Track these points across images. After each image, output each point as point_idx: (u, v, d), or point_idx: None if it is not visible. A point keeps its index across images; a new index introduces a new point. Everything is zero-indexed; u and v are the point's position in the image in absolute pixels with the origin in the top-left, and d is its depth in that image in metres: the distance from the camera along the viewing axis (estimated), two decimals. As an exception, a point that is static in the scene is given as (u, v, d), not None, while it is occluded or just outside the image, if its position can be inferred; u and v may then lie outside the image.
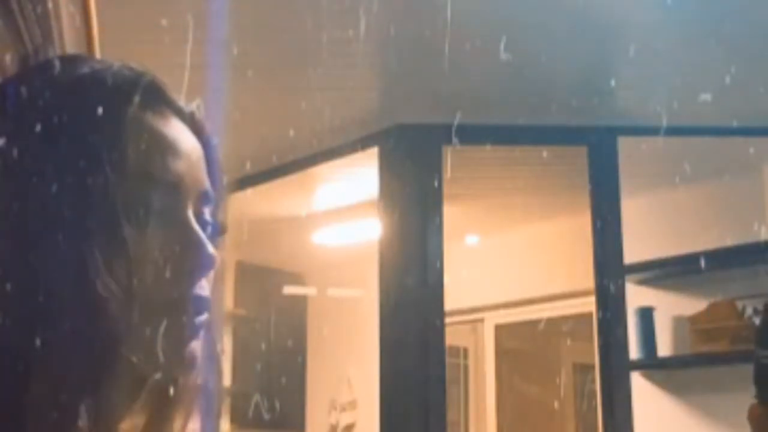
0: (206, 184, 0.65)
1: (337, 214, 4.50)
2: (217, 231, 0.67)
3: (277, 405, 5.28)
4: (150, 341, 0.58)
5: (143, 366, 0.59)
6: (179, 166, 0.63)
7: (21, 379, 0.55)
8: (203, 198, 0.65)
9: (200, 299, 0.62)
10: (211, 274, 0.64)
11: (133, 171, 0.59)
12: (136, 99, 0.61)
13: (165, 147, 0.62)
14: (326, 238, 4.86)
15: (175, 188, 0.62)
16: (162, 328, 0.59)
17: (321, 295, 5.64)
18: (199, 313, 0.62)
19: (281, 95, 3.15)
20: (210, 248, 0.63)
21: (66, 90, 0.61)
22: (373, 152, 3.45)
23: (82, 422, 0.55)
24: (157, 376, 0.61)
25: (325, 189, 4.24)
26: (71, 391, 0.55)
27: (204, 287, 0.63)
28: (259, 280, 5.50)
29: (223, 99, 2.93)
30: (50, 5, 1.64)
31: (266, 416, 5.27)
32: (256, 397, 5.32)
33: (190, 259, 0.61)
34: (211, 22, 2.46)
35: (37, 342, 0.55)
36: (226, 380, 4.83)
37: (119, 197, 0.58)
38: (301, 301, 5.72)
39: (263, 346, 5.20)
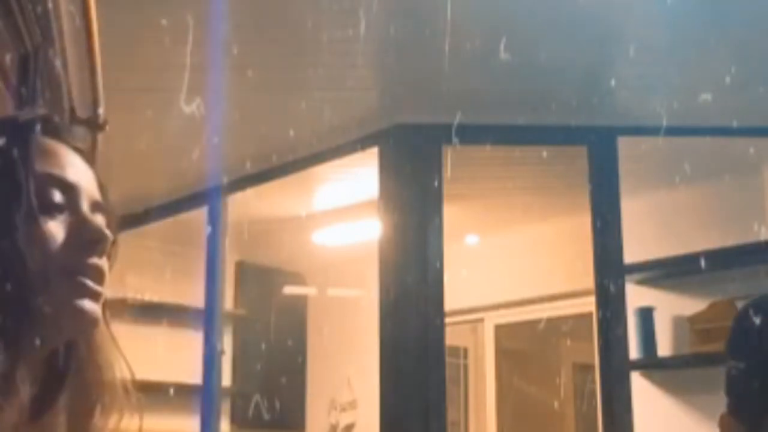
0: (99, 196, 0.83)
1: (337, 214, 4.50)
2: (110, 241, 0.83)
3: (277, 405, 5.28)
4: (55, 295, 0.75)
5: (49, 319, 0.74)
6: (75, 174, 0.81)
7: None
8: (97, 206, 0.82)
9: (96, 268, 0.78)
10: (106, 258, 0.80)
11: (40, 175, 0.78)
12: (38, 128, 0.81)
13: (63, 161, 0.82)
14: (326, 238, 4.86)
15: (72, 188, 0.80)
16: (65, 285, 0.76)
17: (321, 295, 5.64)
18: (96, 280, 0.78)
19: (281, 95, 3.14)
20: (96, 224, 0.79)
21: None
22: (373, 152, 3.45)
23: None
24: (60, 331, 0.77)
25: (325, 189, 4.24)
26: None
27: (104, 263, 0.79)
28: (259, 280, 5.50)
29: (223, 99, 2.93)
30: (50, 5, 1.64)
31: (266, 416, 5.28)
32: (256, 397, 5.32)
33: (85, 234, 0.78)
34: (211, 22, 2.46)
35: None
36: (226, 380, 4.83)
37: (33, 193, 0.76)
38: (301, 301, 5.72)
39: (263, 346, 5.19)
